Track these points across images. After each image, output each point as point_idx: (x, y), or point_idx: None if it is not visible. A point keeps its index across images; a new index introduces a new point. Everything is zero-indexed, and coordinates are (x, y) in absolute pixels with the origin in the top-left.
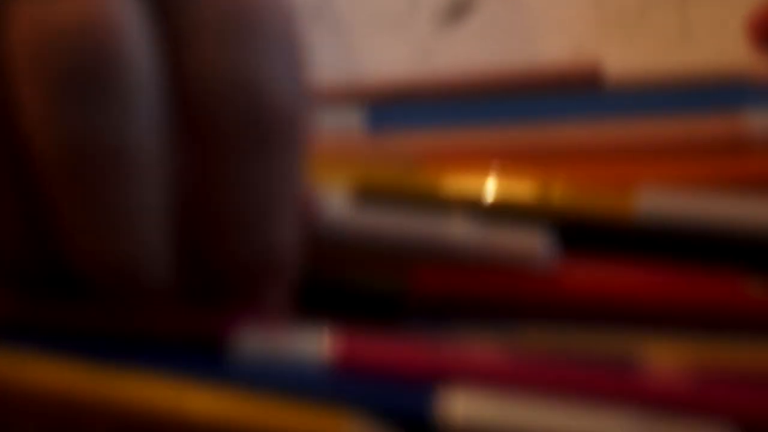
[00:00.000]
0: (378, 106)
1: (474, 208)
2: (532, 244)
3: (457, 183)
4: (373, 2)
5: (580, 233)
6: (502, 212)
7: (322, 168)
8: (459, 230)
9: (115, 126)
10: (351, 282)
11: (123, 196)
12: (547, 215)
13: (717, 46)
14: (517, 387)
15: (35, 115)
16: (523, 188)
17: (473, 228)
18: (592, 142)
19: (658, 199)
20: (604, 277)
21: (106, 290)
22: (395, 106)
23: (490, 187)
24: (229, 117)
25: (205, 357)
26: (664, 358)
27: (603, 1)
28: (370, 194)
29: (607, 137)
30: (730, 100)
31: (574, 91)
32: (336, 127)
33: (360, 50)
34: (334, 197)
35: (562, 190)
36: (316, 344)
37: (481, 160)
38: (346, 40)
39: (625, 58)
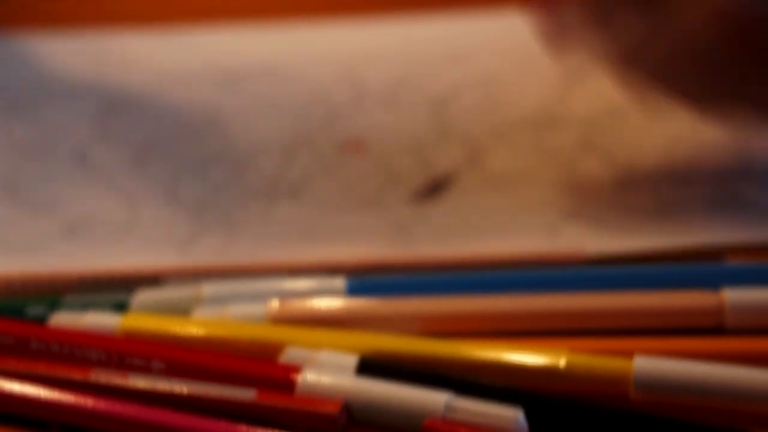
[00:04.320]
0: (360, 275)
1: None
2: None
3: (455, 350)
4: (350, 180)
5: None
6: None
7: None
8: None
9: None
10: None
11: None
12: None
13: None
14: None
15: None
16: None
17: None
18: (580, 312)
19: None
20: None
21: None
22: (376, 276)
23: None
24: None
25: None
26: None
27: (578, 182)
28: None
29: (592, 308)
30: (710, 277)
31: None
32: (322, 293)
33: (338, 226)
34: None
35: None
36: None
37: (475, 326)
38: (324, 220)
39: (600, 237)
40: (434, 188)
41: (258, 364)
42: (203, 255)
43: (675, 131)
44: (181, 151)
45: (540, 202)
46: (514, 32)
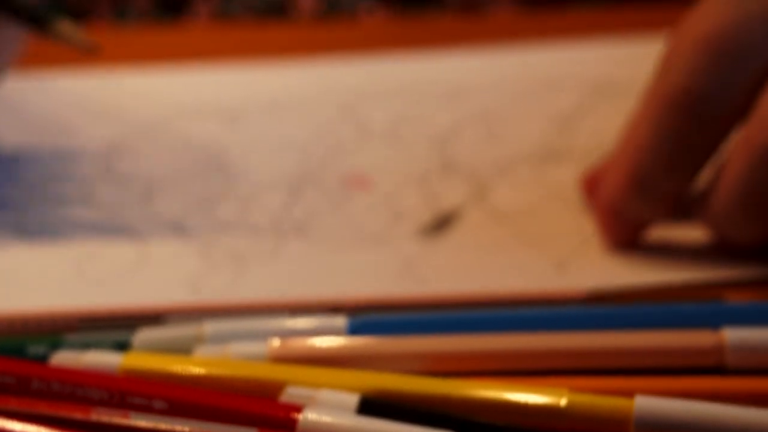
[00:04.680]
0: (362, 314)
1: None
2: None
3: (456, 389)
4: (357, 216)
5: None
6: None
7: (326, 374)
8: None
9: None
10: None
11: None
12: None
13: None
14: None
15: None
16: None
17: None
18: (581, 351)
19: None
20: None
21: None
22: (377, 315)
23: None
24: None
25: None
26: None
27: (585, 220)
28: (375, 399)
29: (593, 348)
30: (710, 316)
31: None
32: (323, 332)
33: (345, 263)
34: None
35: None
36: None
37: (476, 365)
38: (330, 256)
39: (606, 271)
40: (440, 224)
41: (259, 403)
42: (211, 293)
43: None
44: (188, 188)
45: (546, 238)
46: (513, 68)
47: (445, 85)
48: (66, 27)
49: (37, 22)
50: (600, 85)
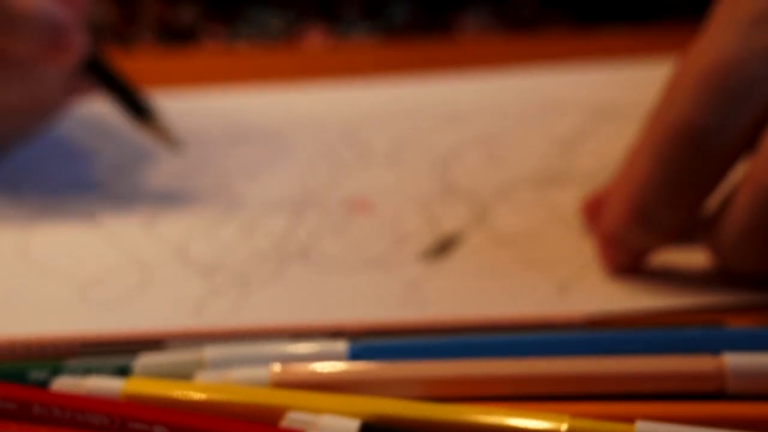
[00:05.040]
0: (363, 338)
1: None
2: None
3: (457, 415)
4: (359, 239)
5: None
6: None
7: (327, 399)
8: None
9: None
10: None
11: None
12: None
13: None
14: None
15: None
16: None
17: None
18: (582, 377)
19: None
20: None
21: None
22: (378, 340)
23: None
24: None
25: None
26: None
27: (586, 244)
28: (376, 425)
29: (593, 373)
30: (711, 341)
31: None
32: (324, 357)
33: (349, 286)
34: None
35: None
36: None
37: (476, 391)
38: (333, 280)
39: (606, 294)
40: (442, 247)
41: (260, 429)
42: (214, 317)
43: None
44: (191, 211)
45: (548, 261)
46: (513, 92)
47: (445, 108)
48: (161, 119)
49: (137, 109)
50: (600, 109)
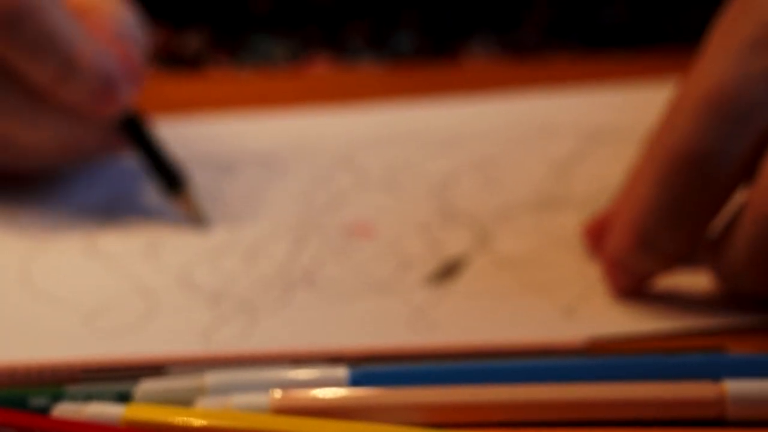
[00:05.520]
0: (364, 366)
1: None
2: None
3: None
4: (362, 264)
5: None
6: None
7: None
8: None
9: None
10: None
11: None
12: None
13: None
14: None
15: None
16: None
17: None
18: (582, 403)
19: None
20: None
21: None
22: (379, 366)
23: None
24: None
25: None
26: None
27: (589, 267)
28: None
29: (594, 399)
30: (711, 367)
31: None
32: (325, 383)
33: (353, 312)
34: None
35: None
36: None
37: (476, 417)
38: (339, 306)
39: (610, 317)
40: (446, 272)
41: None
42: (221, 345)
43: None
44: (193, 237)
45: (551, 284)
46: (509, 116)
47: (443, 132)
48: (193, 195)
49: (172, 182)
50: (597, 131)
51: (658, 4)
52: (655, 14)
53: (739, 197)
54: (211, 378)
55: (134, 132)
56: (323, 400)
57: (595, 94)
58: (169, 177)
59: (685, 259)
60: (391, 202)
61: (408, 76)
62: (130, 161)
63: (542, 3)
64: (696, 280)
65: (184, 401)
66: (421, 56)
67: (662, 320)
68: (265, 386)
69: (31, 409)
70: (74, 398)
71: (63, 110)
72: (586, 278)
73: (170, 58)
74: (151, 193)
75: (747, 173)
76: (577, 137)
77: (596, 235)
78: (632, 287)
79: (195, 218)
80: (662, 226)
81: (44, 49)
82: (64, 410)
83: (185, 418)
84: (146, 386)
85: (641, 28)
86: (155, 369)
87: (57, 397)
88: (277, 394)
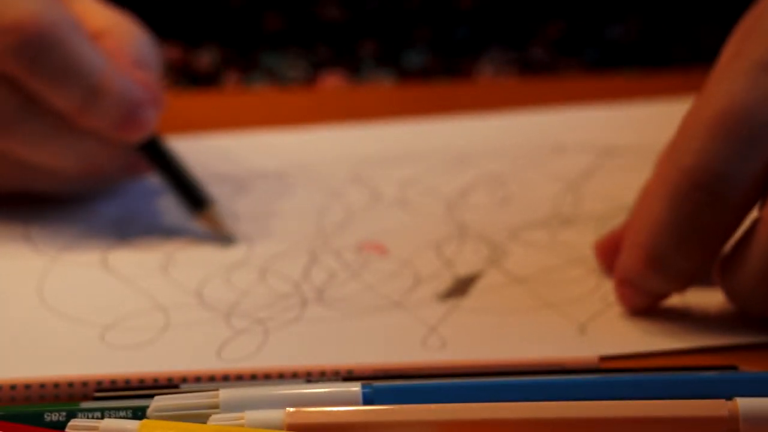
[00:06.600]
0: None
1: None
2: None
3: None
4: (376, 281)
5: None
6: None
7: None
8: None
9: None
10: None
11: None
12: None
13: None
14: None
15: None
16: None
17: None
18: (594, 421)
19: None
20: None
21: None
22: (393, 383)
23: None
24: None
25: None
26: None
27: (602, 284)
28: None
29: (606, 417)
30: (723, 386)
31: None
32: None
33: (366, 330)
34: None
35: None
36: None
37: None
38: (352, 322)
39: (624, 334)
40: (459, 289)
41: None
42: (234, 361)
43: None
44: (205, 255)
45: (566, 302)
46: (520, 133)
47: (453, 150)
48: (218, 213)
49: (196, 202)
50: (607, 149)
51: (669, 24)
52: (666, 34)
53: (752, 217)
54: (225, 394)
55: (156, 153)
56: (337, 416)
57: (607, 111)
58: (194, 196)
59: (698, 279)
60: (404, 219)
61: (419, 94)
62: (145, 179)
63: (553, 21)
64: (708, 299)
65: (198, 417)
66: (433, 74)
67: (675, 339)
68: (279, 403)
69: (46, 425)
70: (89, 414)
71: (87, 135)
72: (599, 296)
73: (183, 76)
74: (165, 210)
75: (759, 193)
76: (589, 155)
77: (609, 253)
78: (645, 306)
79: (220, 236)
80: (673, 246)
81: (70, 76)
82: (79, 426)
83: None
84: (160, 402)
85: (652, 47)
86: (169, 385)
87: (72, 413)
88: (291, 410)
